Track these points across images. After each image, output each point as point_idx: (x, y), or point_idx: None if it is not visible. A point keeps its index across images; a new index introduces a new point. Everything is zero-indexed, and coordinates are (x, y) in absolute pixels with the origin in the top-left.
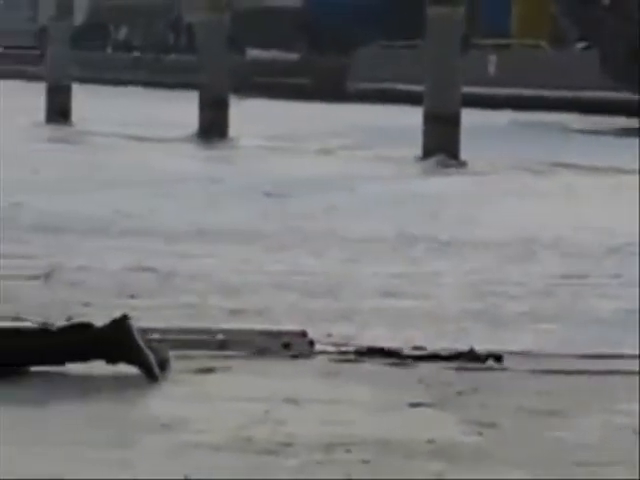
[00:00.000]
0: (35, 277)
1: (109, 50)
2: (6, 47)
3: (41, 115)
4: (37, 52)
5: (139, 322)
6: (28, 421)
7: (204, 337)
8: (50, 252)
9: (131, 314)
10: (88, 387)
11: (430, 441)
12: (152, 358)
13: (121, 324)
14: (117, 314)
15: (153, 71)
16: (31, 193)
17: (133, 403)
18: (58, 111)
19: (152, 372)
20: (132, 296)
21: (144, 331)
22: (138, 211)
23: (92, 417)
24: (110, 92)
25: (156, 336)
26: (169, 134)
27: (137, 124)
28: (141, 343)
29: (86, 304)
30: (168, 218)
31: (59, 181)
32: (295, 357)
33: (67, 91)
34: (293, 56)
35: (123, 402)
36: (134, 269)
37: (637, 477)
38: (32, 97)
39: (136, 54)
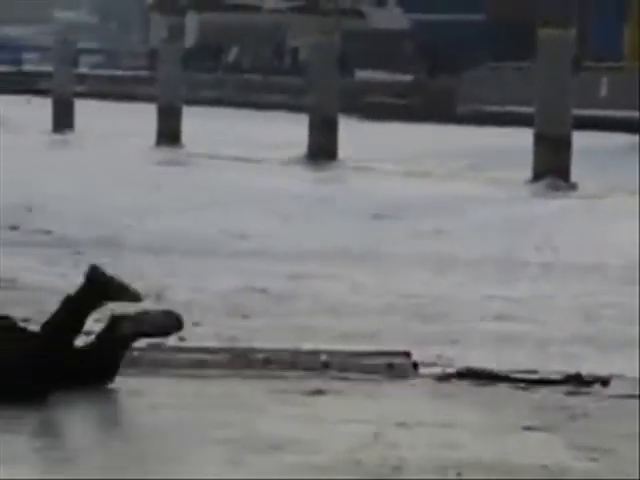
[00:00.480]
0: (146, 297)
1: (219, 72)
2: (121, 68)
3: (152, 137)
4: (148, 73)
5: (250, 342)
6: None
7: (311, 358)
8: (161, 272)
9: (242, 334)
10: None
11: (544, 467)
12: None
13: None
14: (228, 334)
15: (262, 93)
16: (142, 214)
17: (244, 423)
18: (168, 133)
19: None
20: (243, 316)
21: (254, 351)
22: (248, 232)
23: (204, 438)
24: (220, 113)
25: (262, 356)
26: (279, 155)
27: (246, 146)
28: None
29: (196, 324)
30: (278, 239)
31: (170, 203)
32: (400, 378)
33: (178, 113)
34: (402, 78)
35: (234, 422)
36: (244, 290)
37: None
38: (143, 118)
39: (245, 76)
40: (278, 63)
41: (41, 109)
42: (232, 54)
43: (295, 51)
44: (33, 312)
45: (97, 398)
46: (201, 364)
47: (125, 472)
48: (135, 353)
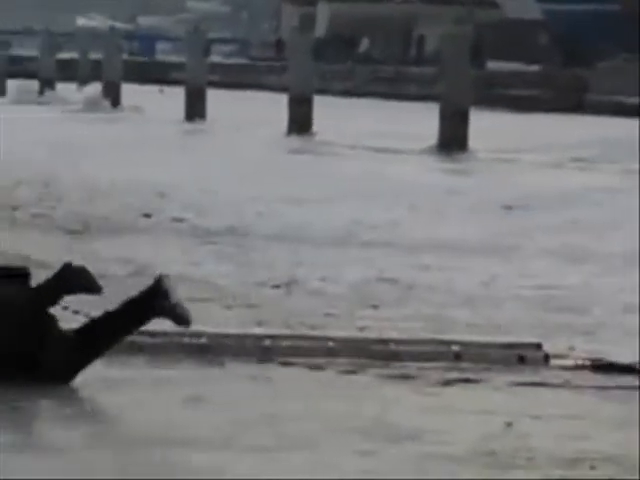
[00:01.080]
0: (277, 286)
1: (350, 62)
2: (251, 58)
3: (283, 126)
4: (279, 63)
5: (380, 332)
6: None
7: (441, 349)
8: (291, 261)
9: (372, 325)
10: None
11: None
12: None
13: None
14: (359, 324)
15: (392, 83)
16: (274, 203)
17: (376, 414)
18: (299, 122)
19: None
20: (373, 306)
21: (384, 341)
22: (378, 222)
23: (338, 427)
24: (350, 104)
25: (392, 346)
26: (409, 146)
27: (377, 136)
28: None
29: (327, 314)
30: (408, 230)
31: (301, 192)
32: (531, 370)
33: (308, 103)
34: (533, 68)
35: (367, 412)
36: (375, 280)
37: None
38: (273, 108)
39: (376, 66)
40: (404, 54)
41: (173, 99)
42: (363, 45)
43: (421, 41)
44: None
45: (228, 386)
46: (330, 353)
47: (270, 452)
48: (266, 342)
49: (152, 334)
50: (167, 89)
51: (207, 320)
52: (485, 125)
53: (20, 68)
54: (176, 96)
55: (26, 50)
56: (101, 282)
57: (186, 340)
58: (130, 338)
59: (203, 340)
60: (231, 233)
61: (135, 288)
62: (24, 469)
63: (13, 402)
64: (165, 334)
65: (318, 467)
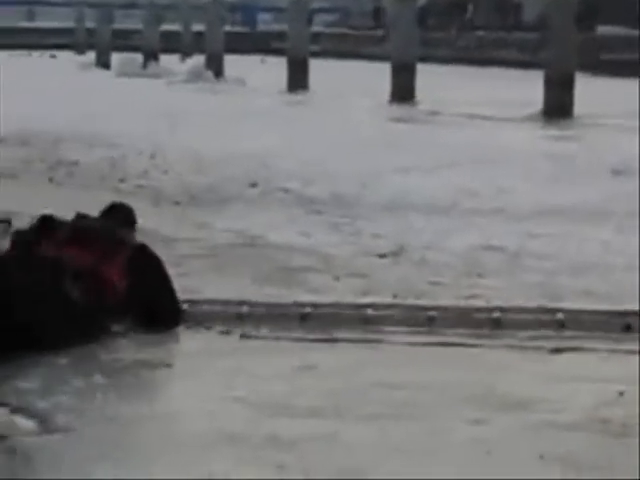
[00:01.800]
0: (383, 255)
1: (453, 30)
2: (350, 27)
3: (385, 95)
4: (381, 32)
5: (487, 301)
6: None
7: (547, 317)
8: (397, 230)
9: (479, 293)
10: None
11: None
12: None
13: None
14: (465, 293)
15: (495, 50)
16: (378, 172)
17: (486, 382)
18: (402, 90)
19: None
20: (479, 275)
21: (488, 309)
22: (485, 190)
23: (449, 396)
24: (454, 71)
25: (497, 314)
26: (513, 113)
27: (480, 103)
28: None
29: (433, 283)
30: (515, 197)
31: (406, 160)
32: (637, 338)
33: (411, 71)
34: None
35: (475, 381)
36: (481, 248)
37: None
38: (375, 77)
39: (479, 33)
40: (502, 20)
41: (275, 69)
42: (468, 12)
43: (518, 8)
44: (273, 269)
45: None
46: (435, 322)
47: (381, 420)
48: (372, 311)
49: (262, 305)
50: (269, 59)
51: (316, 290)
52: (591, 91)
53: (124, 41)
54: (278, 66)
55: (130, 23)
56: (213, 252)
57: (296, 310)
58: (241, 309)
59: (311, 310)
60: (337, 202)
61: (245, 258)
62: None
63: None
64: (275, 305)
65: (429, 435)
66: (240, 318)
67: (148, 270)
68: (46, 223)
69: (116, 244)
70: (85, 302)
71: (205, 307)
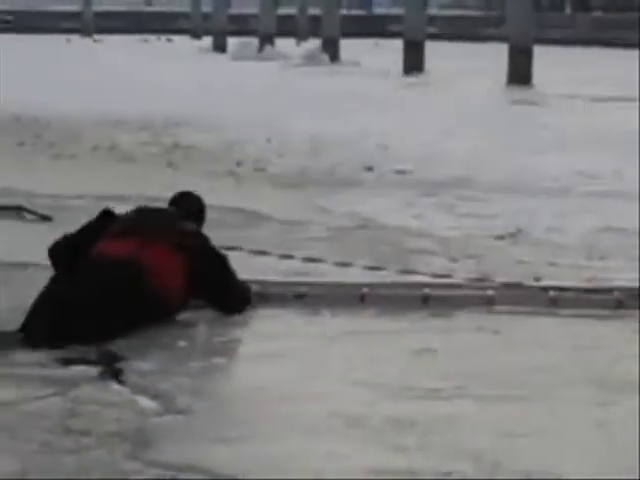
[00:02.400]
0: (501, 237)
1: (568, 10)
2: (466, 9)
3: (501, 77)
4: (496, 13)
5: (608, 282)
6: None
7: None
8: (515, 212)
9: (600, 275)
10: None
11: None
12: None
13: None
14: (585, 275)
15: (613, 30)
16: (495, 154)
17: (604, 363)
18: (519, 73)
19: None
20: (600, 257)
21: (608, 290)
22: (603, 172)
23: (563, 374)
24: (570, 52)
25: (616, 295)
26: (632, 94)
27: (598, 84)
28: None
29: (552, 264)
30: (634, 178)
31: (524, 142)
32: None
33: (528, 53)
34: None
35: (594, 362)
36: (601, 230)
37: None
38: (491, 59)
39: (596, 14)
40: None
41: (390, 52)
42: None
43: None
44: (390, 251)
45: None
46: (553, 303)
47: (503, 402)
48: (490, 292)
49: (379, 286)
50: (383, 42)
51: (433, 272)
52: None
53: (240, 26)
54: (392, 50)
55: (246, 8)
56: (329, 234)
57: (413, 292)
58: (356, 290)
59: (428, 291)
60: (453, 184)
61: (361, 241)
62: None
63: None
64: (388, 285)
65: (551, 417)
66: (361, 299)
67: (204, 256)
68: (105, 217)
69: (166, 233)
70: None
71: (322, 290)
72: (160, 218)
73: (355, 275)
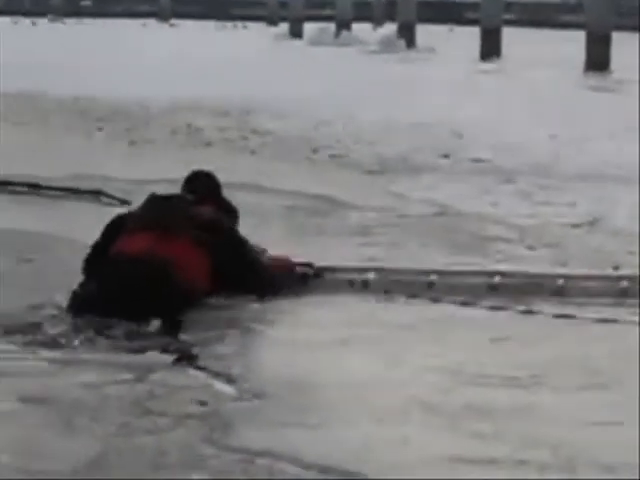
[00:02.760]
0: (578, 225)
1: None
2: None
3: (578, 64)
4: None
5: None
6: None
7: None
8: (592, 200)
9: None
10: None
11: None
12: None
13: None
14: None
15: None
16: (573, 141)
17: None
18: (597, 60)
19: None
20: None
21: None
22: None
23: None
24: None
25: None
26: None
27: None
28: None
29: (631, 252)
30: None
31: (602, 129)
32: None
33: (606, 40)
34: None
35: None
36: None
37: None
38: (569, 46)
39: None
40: None
41: (464, 38)
42: None
43: None
44: (466, 238)
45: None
46: (627, 293)
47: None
48: (562, 281)
49: (453, 273)
50: (458, 29)
51: (509, 260)
52: None
53: (317, 11)
54: (468, 36)
55: None
56: (404, 221)
57: (490, 280)
58: (426, 277)
59: (511, 280)
60: (530, 172)
61: (437, 227)
62: None
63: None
64: (460, 273)
65: (631, 407)
66: (429, 287)
67: (222, 248)
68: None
69: (182, 227)
70: None
71: (394, 276)
72: (174, 209)
73: (429, 262)
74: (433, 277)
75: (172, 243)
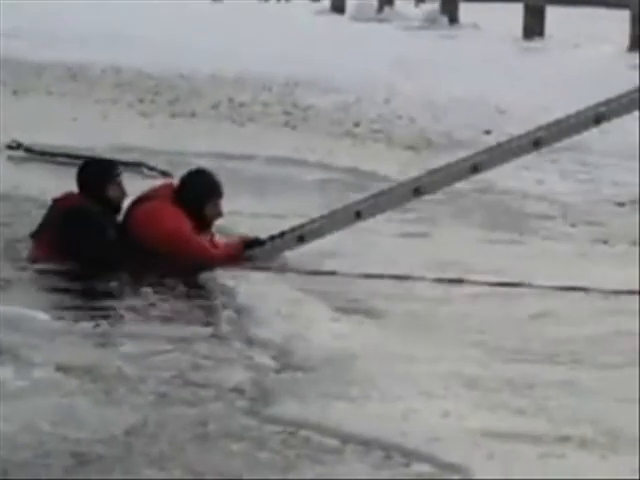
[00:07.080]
0: (621, 204)
1: None
2: None
3: (624, 43)
4: None
5: None
6: None
7: None
8: (635, 179)
9: None
10: None
11: None
12: None
13: None
14: None
15: None
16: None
17: None
18: None
19: None
20: None
21: None
22: None
23: None
24: None
25: None
26: None
27: None
28: None
29: None
30: None
31: None
32: None
33: None
34: None
35: None
36: None
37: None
38: (615, 24)
39: None
40: None
41: (508, 16)
42: None
43: None
44: (509, 215)
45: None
46: None
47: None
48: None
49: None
50: (499, 6)
51: (552, 237)
52: None
53: None
54: (511, 13)
55: None
56: (447, 197)
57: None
58: None
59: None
60: (574, 150)
61: (480, 204)
62: None
63: None
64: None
65: None
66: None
67: None
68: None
69: None
70: None
71: None
72: None
73: (470, 239)
74: None
75: None
